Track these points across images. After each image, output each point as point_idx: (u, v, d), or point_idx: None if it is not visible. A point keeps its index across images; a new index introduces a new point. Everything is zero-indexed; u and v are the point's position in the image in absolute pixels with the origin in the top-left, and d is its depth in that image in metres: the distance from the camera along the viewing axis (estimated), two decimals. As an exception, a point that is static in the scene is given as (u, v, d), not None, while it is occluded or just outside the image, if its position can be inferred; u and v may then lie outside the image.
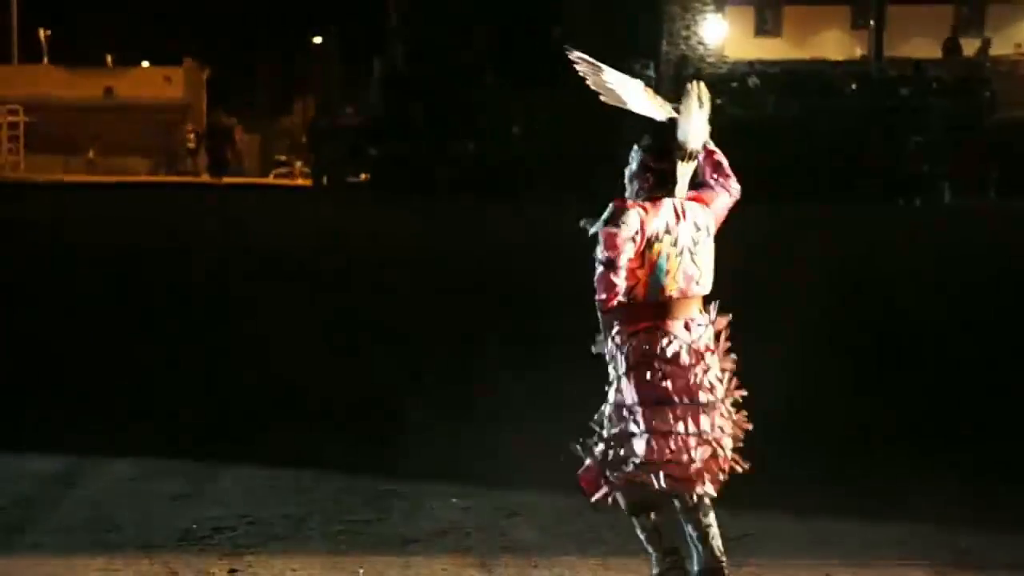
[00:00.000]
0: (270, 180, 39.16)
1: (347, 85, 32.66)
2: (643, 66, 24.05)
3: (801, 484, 6.67)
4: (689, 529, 4.90)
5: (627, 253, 4.71)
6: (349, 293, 13.03)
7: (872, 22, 28.86)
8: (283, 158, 43.81)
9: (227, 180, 33.00)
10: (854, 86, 25.54)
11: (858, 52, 30.47)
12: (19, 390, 8.88)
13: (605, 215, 4.75)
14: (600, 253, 4.73)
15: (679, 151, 4.81)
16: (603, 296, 4.74)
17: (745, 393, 5.01)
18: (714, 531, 4.91)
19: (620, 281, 4.72)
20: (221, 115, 37.53)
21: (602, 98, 4.93)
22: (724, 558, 4.91)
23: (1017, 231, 18.14)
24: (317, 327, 11.10)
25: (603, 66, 4.92)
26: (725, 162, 5.03)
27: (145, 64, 48.61)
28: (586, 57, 4.93)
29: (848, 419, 8.08)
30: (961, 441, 7.64)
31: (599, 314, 4.81)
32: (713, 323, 4.93)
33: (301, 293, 12.87)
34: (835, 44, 31.00)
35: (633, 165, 4.88)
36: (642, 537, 4.93)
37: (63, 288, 13.06)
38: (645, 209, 4.76)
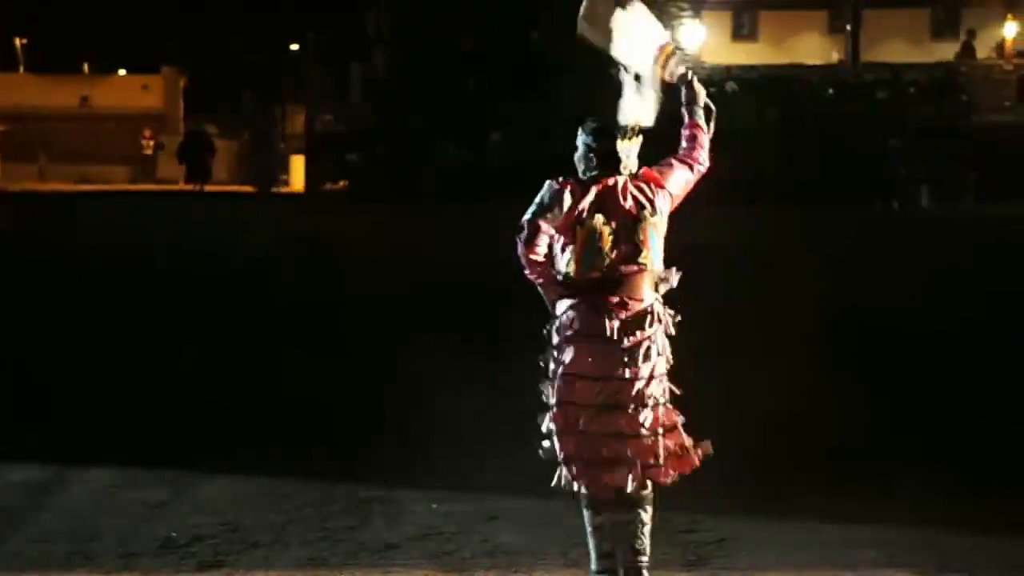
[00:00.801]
0: (250, 188, 39.04)
1: (327, 92, 32.60)
2: (618, 70, 24.09)
3: (782, 489, 6.69)
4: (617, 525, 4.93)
5: (545, 230, 4.79)
6: (325, 299, 13.02)
7: (848, 27, 29.02)
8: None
9: (208, 188, 33.00)
10: (831, 90, 25.69)
11: (835, 56, 30.62)
12: (-2, 399, 8.87)
13: (540, 193, 4.84)
14: (520, 230, 4.80)
15: (619, 130, 4.92)
16: (525, 270, 4.83)
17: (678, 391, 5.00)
18: (635, 528, 4.91)
19: (537, 256, 4.79)
20: (202, 122, 37.44)
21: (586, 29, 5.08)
22: (644, 558, 4.92)
23: (994, 233, 18.22)
24: (294, 335, 11.11)
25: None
26: (701, 136, 5.16)
27: (122, 72, 48.46)
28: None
29: (829, 424, 8.09)
30: (942, 446, 7.66)
31: (540, 291, 4.89)
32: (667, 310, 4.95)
33: (275, 301, 12.87)
34: (812, 48, 31.15)
35: (579, 146, 4.96)
36: (587, 531, 4.95)
37: (41, 297, 13.03)
38: (579, 187, 4.85)
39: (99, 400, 8.77)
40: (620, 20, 5.05)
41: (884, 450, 7.47)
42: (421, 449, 7.36)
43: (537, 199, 4.82)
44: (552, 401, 4.87)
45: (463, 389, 8.46)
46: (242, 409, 8.57)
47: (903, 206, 23.17)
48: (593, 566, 4.94)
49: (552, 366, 4.89)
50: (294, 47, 41.00)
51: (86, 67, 48.17)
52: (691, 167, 5.10)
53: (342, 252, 16.31)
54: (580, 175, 4.93)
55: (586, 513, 4.92)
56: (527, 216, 4.79)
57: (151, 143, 41.29)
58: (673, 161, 5.09)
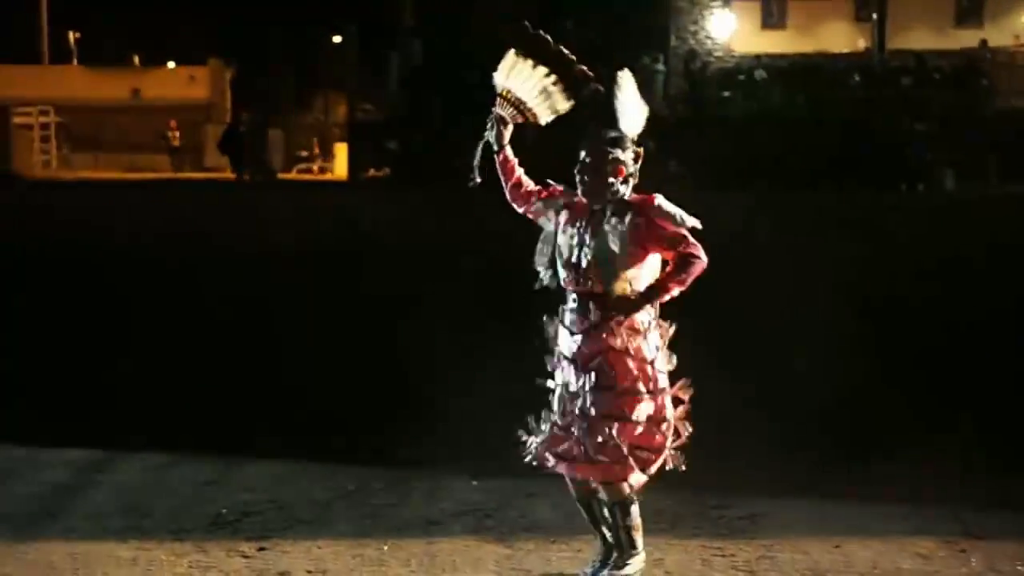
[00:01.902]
0: (293, 175, 39.40)
1: (368, 81, 32.82)
2: (652, 60, 24.20)
3: (810, 465, 6.84)
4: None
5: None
6: (362, 281, 13.19)
7: (874, 15, 29.05)
8: (304, 153, 44.04)
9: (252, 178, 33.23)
10: (857, 77, 25.77)
11: (861, 44, 30.65)
12: (53, 381, 9.12)
13: (677, 208, 4.94)
14: (697, 251, 4.90)
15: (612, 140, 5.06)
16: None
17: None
18: (611, 525, 5.13)
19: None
20: (252, 113, 37.49)
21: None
22: (614, 553, 5.13)
23: (1018, 216, 18.25)
24: (336, 319, 11.29)
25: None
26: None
27: (171, 64, 48.94)
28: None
29: (857, 403, 8.22)
30: (969, 423, 7.76)
31: (657, 302, 5.01)
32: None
33: (314, 284, 13.05)
34: (839, 36, 31.20)
35: (629, 157, 5.01)
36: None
37: (95, 282, 13.26)
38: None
39: (151, 384, 8.99)
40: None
41: (912, 429, 7.58)
42: (459, 429, 7.52)
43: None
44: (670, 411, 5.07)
45: (500, 371, 8.61)
46: (284, 391, 8.78)
47: (928, 190, 23.25)
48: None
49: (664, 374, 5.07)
50: (336, 39, 41.25)
51: (136, 60, 48.66)
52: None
53: (383, 239, 16.49)
54: (614, 188, 4.99)
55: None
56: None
57: (176, 135, 41.46)
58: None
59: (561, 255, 5.01)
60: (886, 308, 11.18)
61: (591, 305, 4.96)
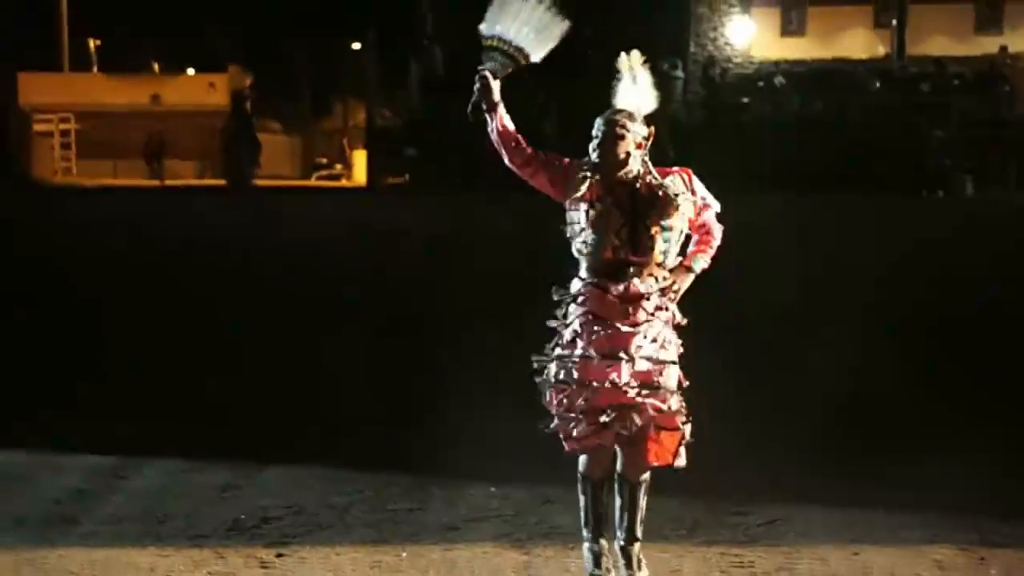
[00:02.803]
0: (312, 182, 39.45)
1: (387, 87, 32.90)
2: (671, 66, 24.20)
3: (830, 472, 6.82)
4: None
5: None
6: (377, 288, 13.20)
7: (894, 21, 29.02)
8: (324, 160, 44.11)
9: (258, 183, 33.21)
10: (877, 83, 25.74)
11: (881, 51, 30.61)
12: (72, 387, 9.14)
13: (701, 183, 5.10)
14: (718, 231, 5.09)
15: (619, 114, 5.12)
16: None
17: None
18: (632, 513, 5.12)
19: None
20: (233, 116, 37.14)
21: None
22: (638, 544, 5.13)
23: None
24: (355, 322, 11.30)
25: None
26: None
27: (190, 71, 49.13)
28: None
29: (876, 409, 8.20)
30: (989, 429, 7.73)
31: (698, 272, 5.12)
32: None
33: (333, 292, 13.06)
34: (859, 43, 31.16)
35: (642, 135, 5.06)
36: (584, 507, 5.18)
37: (114, 288, 13.29)
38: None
39: (169, 389, 9.01)
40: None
41: (930, 436, 7.55)
42: (478, 436, 7.52)
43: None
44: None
45: (517, 379, 8.62)
46: (302, 396, 8.79)
47: (948, 195, 23.24)
48: (588, 539, 5.17)
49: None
50: (356, 45, 41.36)
51: (156, 67, 48.86)
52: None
53: (402, 243, 16.50)
54: (630, 158, 5.03)
55: (585, 493, 5.15)
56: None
57: (160, 141, 40.72)
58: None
59: (608, 224, 4.96)
60: (905, 314, 11.14)
61: (632, 273, 4.97)
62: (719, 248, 5.13)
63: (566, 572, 5.40)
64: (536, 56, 5.19)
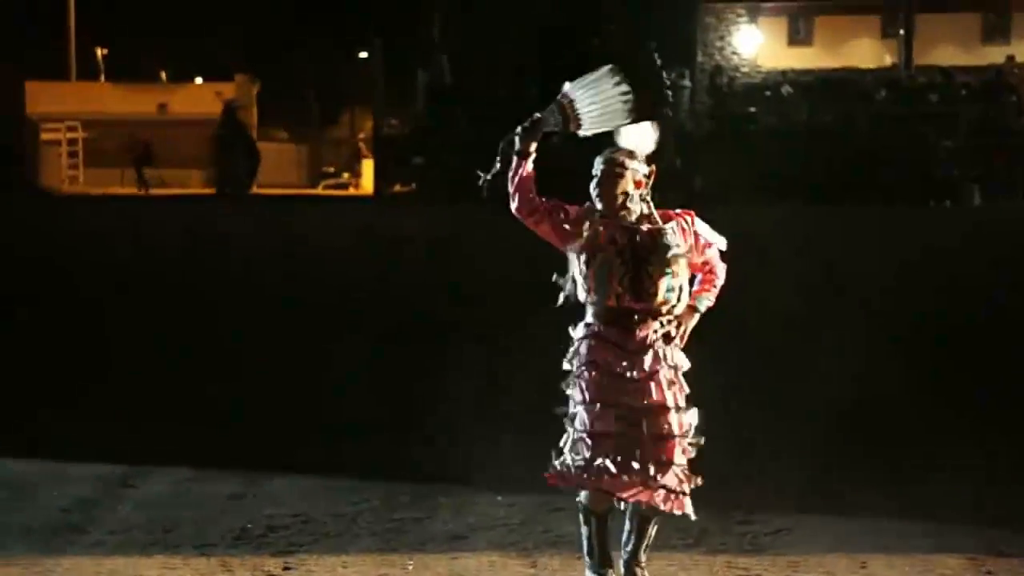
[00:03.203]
0: (319, 191, 39.48)
1: (394, 97, 32.94)
2: (678, 75, 24.21)
3: (836, 482, 6.82)
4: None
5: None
6: (382, 296, 13.20)
7: (902, 31, 29.03)
8: (331, 169, 44.16)
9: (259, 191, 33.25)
10: (884, 93, 25.72)
11: (888, 60, 30.63)
12: (80, 397, 9.16)
13: (706, 225, 5.08)
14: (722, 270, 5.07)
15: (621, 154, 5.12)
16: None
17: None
18: (642, 540, 5.10)
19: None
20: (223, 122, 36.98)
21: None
22: (632, 558, 5.10)
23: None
24: (360, 332, 11.31)
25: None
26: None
27: (198, 80, 49.21)
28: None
29: (882, 419, 8.20)
30: (995, 438, 7.73)
31: (699, 314, 5.10)
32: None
33: (339, 300, 13.07)
34: (866, 52, 31.17)
35: (643, 172, 5.07)
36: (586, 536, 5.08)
37: (120, 296, 13.31)
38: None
39: (176, 399, 9.02)
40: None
41: (936, 445, 7.55)
42: (484, 444, 7.54)
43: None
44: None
45: (525, 389, 8.64)
46: (310, 405, 8.81)
47: (955, 205, 23.22)
48: (595, 569, 5.07)
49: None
50: (363, 54, 41.44)
51: (164, 76, 48.94)
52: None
53: (407, 252, 16.50)
54: (630, 200, 5.03)
55: (588, 524, 5.06)
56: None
57: (140, 146, 40.31)
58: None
59: (611, 272, 4.95)
60: (911, 323, 11.13)
61: (637, 320, 4.96)
62: (727, 256, 5.14)
63: (572, 582, 5.41)
64: (584, 132, 5.16)
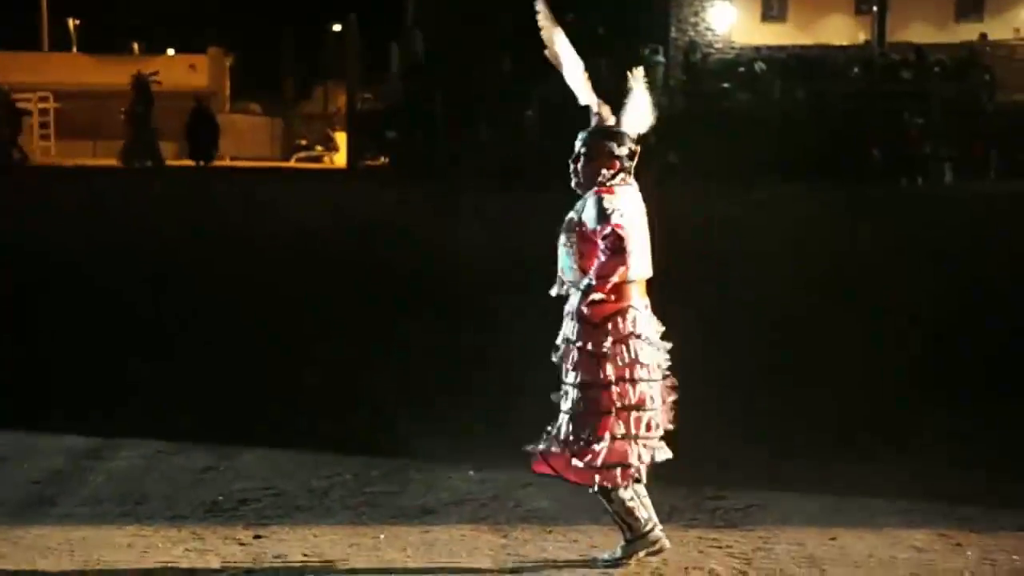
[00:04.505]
0: (292, 164, 39.34)
1: (367, 71, 32.84)
2: (652, 51, 24.20)
3: (807, 458, 6.86)
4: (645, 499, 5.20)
5: (632, 238, 4.94)
6: (360, 274, 13.21)
7: (875, 8, 29.10)
8: (304, 142, 43.99)
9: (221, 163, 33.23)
10: (857, 70, 25.79)
11: (861, 37, 30.71)
12: (51, 371, 9.13)
13: (598, 207, 4.96)
14: (610, 243, 4.91)
15: (629, 136, 5.11)
16: (609, 281, 4.93)
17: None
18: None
19: (627, 264, 4.94)
20: (208, 97, 36.82)
21: (544, 51, 5.22)
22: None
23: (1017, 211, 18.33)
24: (335, 307, 11.31)
25: (559, 28, 5.20)
26: None
27: (171, 52, 48.89)
28: (547, 12, 5.20)
29: (853, 396, 8.25)
30: (966, 417, 7.78)
31: (580, 296, 5.00)
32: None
33: (313, 274, 13.07)
34: (839, 29, 31.25)
35: (592, 153, 5.09)
36: (624, 510, 5.13)
37: (91, 274, 13.28)
38: (622, 192, 5.03)
39: (148, 373, 9.00)
40: (560, 46, 5.23)
41: (907, 425, 7.59)
42: (457, 421, 7.55)
43: (610, 208, 4.93)
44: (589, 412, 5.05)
45: (497, 366, 8.66)
46: (283, 379, 8.80)
47: (927, 183, 23.33)
48: (638, 526, 5.15)
49: (590, 375, 5.04)
50: (336, 27, 41.28)
51: (136, 47, 48.60)
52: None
53: (382, 227, 16.51)
54: (602, 179, 5.05)
55: (623, 494, 5.11)
56: (619, 226, 4.90)
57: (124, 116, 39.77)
58: None
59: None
60: (881, 300, 11.21)
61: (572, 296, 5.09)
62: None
63: (543, 553, 5.42)
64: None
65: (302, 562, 5.34)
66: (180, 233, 16.25)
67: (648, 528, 5.15)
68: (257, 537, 5.61)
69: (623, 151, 5.08)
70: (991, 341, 9.79)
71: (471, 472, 6.58)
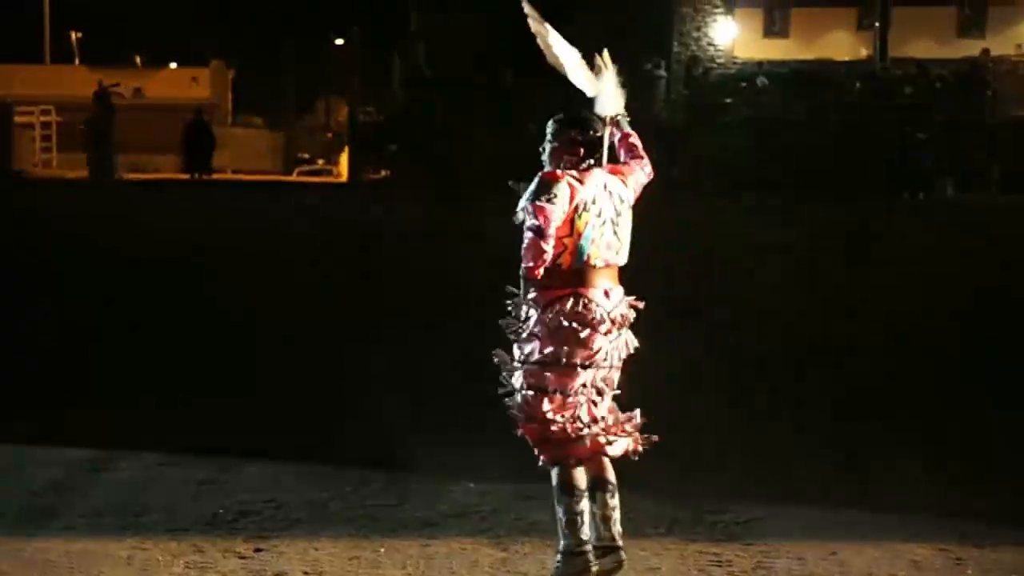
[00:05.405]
0: (293, 178, 39.34)
1: (369, 84, 32.87)
2: (655, 66, 24.21)
3: (807, 472, 6.85)
4: (594, 508, 5.07)
5: (556, 222, 4.91)
6: (358, 285, 13.19)
7: (877, 24, 29.13)
8: (306, 156, 44.00)
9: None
10: (859, 85, 25.82)
11: (864, 52, 30.73)
12: (51, 381, 9.12)
13: (534, 186, 4.96)
14: (530, 222, 4.91)
15: (599, 121, 5.10)
16: (531, 264, 4.92)
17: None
18: (616, 515, 5.07)
19: (549, 249, 4.91)
20: (210, 110, 36.93)
21: (545, 59, 5.21)
22: (621, 542, 5.07)
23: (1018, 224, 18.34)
24: (329, 321, 11.30)
25: (551, 29, 5.18)
26: (639, 144, 5.30)
27: (173, 65, 48.96)
28: (536, 15, 5.18)
29: (855, 410, 8.24)
30: (968, 431, 7.78)
31: (522, 280, 5.01)
32: (633, 300, 5.12)
33: (311, 285, 13.06)
34: (842, 45, 31.28)
35: (554, 139, 5.10)
36: (565, 518, 5.03)
37: (91, 283, 13.26)
38: (575, 179, 4.98)
39: (148, 384, 8.99)
40: (556, 46, 5.23)
41: (909, 437, 7.59)
42: (457, 433, 7.54)
43: (541, 192, 4.91)
44: (524, 389, 5.09)
45: (497, 377, 8.63)
46: (283, 392, 8.79)
47: (930, 197, 23.35)
48: (569, 545, 5.03)
49: (528, 354, 5.07)
50: (339, 41, 41.33)
51: (139, 60, 48.67)
52: (644, 172, 5.24)
53: (384, 237, 16.50)
54: (559, 166, 5.04)
55: (565, 500, 5.04)
56: (538, 213, 4.87)
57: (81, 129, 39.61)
58: (631, 162, 5.25)
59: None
60: (884, 312, 11.20)
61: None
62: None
63: (543, 567, 5.41)
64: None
65: (302, 576, 5.34)
66: (178, 243, 16.22)
67: (580, 550, 5.00)
68: (258, 550, 5.61)
69: (586, 137, 5.07)
70: (989, 355, 9.78)
71: (471, 485, 6.57)
